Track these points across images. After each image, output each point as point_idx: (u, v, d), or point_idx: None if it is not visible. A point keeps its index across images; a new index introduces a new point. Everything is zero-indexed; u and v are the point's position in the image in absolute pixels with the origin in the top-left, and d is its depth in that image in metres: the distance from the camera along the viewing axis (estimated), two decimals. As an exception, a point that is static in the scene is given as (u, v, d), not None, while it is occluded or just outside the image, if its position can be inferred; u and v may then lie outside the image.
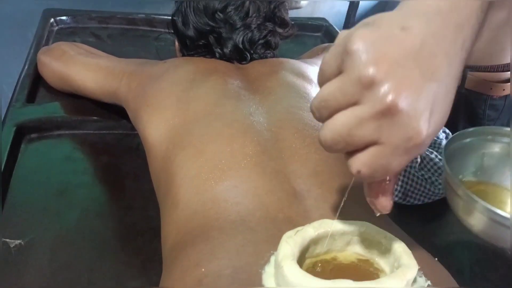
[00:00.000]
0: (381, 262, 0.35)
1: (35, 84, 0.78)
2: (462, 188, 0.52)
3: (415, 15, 0.27)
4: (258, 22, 0.61)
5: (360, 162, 0.27)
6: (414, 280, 0.34)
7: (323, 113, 0.28)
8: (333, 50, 0.27)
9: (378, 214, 0.32)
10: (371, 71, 0.25)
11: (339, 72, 0.27)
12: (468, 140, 0.65)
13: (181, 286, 0.35)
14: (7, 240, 0.52)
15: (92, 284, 0.48)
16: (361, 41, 0.25)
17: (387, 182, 0.30)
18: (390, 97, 0.25)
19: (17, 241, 0.52)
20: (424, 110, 0.26)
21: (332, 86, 0.27)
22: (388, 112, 0.25)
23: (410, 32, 0.26)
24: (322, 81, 0.28)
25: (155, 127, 0.52)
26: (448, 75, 0.27)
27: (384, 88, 0.25)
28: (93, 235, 0.54)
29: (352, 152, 0.28)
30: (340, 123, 0.27)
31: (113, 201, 0.61)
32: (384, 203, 0.31)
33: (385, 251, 0.35)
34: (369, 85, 0.25)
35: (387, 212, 0.31)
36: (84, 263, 0.51)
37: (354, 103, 0.26)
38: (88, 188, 0.61)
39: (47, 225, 0.54)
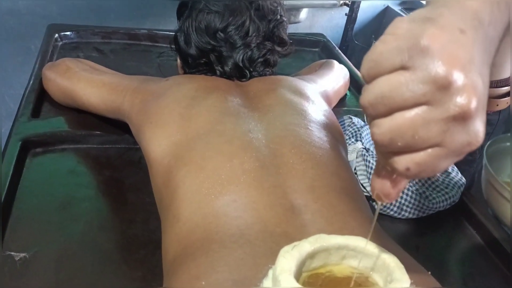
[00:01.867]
0: (375, 276, 0.37)
1: (40, 99, 0.80)
2: (506, 188, 0.57)
3: (466, 18, 0.26)
4: (258, 41, 0.64)
5: (412, 161, 0.26)
6: (407, 294, 0.35)
7: (380, 109, 0.26)
8: (393, 42, 0.25)
9: (380, 203, 0.31)
10: (448, 72, 0.24)
11: (402, 67, 0.25)
12: (506, 144, 0.70)
13: (183, 299, 0.37)
14: (12, 253, 0.53)
15: (95, 296, 0.49)
16: (435, 41, 0.24)
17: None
18: (466, 102, 0.24)
19: (22, 254, 0.53)
20: (484, 116, 0.26)
21: (395, 81, 0.25)
22: (461, 117, 0.25)
23: (467, 36, 0.25)
24: (375, 74, 0.26)
25: (158, 143, 0.53)
26: (488, 83, 0.27)
27: (461, 92, 0.24)
28: (96, 248, 0.55)
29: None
30: (404, 123, 0.25)
31: (116, 214, 0.62)
32: (390, 191, 0.30)
33: (379, 265, 0.36)
34: (445, 87, 0.24)
35: (389, 201, 0.31)
36: (87, 275, 0.52)
37: (422, 103, 0.25)
38: (92, 202, 0.63)
39: (51, 238, 0.56)
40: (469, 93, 0.24)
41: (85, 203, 0.62)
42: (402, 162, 0.27)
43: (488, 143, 0.63)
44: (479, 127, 0.25)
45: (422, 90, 0.25)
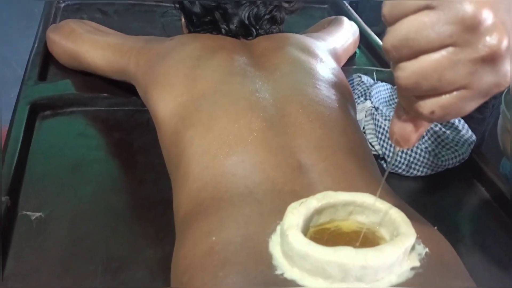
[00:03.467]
0: (382, 231, 0.37)
1: (46, 62, 0.80)
2: None
3: None
4: (264, -3, 0.62)
5: (437, 105, 0.26)
6: (413, 248, 0.36)
7: (404, 52, 0.25)
8: None
9: (398, 149, 0.31)
10: (477, 11, 0.23)
11: (427, 7, 0.24)
12: None
13: (194, 253, 0.38)
14: (28, 212, 0.55)
15: (109, 253, 0.51)
16: None
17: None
18: (496, 42, 0.23)
19: (37, 214, 0.55)
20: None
21: (420, 22, 0.24)
22: (490, 58, 0.24)
23: None
24: (398, 14, 0.25)
25: (164, 104, 0.53)
26: None
27: (491, 31, 0.23)
28: (108, 208, 0.57)
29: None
30: (430, 66, 0.25)
31: (126, 175, 0.63)
32: (410, 135, 0.29)
33: (386, 220, 0.36)
34: (474, 27, 0.23)
35: (408, 147, 0.30)
36: (101, 234, 0.53)
37: (449, 45, 0.24)
38: (102, 163, 0.64)
39: (64, 198, 0.57)
40: (500, 32, 0.23)
41: (96, 164, 0.63)
42: (427, 105, 0.26)
43: (506, 90, 0.62)
44: (508, 67, 0.24)
45: (448, 31, 0.24)
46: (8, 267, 0.48)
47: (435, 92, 0.26)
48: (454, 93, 0.25)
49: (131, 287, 0.48)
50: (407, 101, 0.27)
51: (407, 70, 0.25)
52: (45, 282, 0.47)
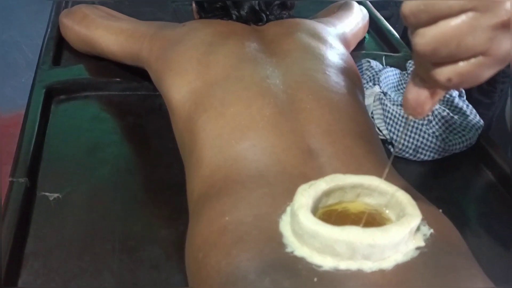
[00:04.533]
0: (388, 212, 0.39)
1: (59, 47, 0.81)
2: None
3: None
4: (274, -18, 0.62)
5: (454, 72, 0.26)
6: (418, 228, 0.37)
7: (423, 18, 0.25)
8: None
9: (410, 118, 0.31)
10: None
11: None
12: None
13: (208, 232, 0.40)
14: (47, 193, 0.57)
15: (125, 232, 0.53)
16: None
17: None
18: None
19: (55, 195, 0.57)
20: None
21: None
22: (509, 24, 0.24)
23: None
24: None
25: (177, 90, 0.55)
26: None
27: None
28: (124, 189, 0.59)
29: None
30: (449, 31, 0.25)
31: (141, 159, 0.65)
32: (425, 103, 0.29)
33: (392, 202, 0.38)
34: None
35: (420, 117, 0.30)
36: (118, 214, 0.55)
37: (469, 10, 0.24)
38: (117, 146, 0.65)
39: (81, 180, 0.59)
40: None
41: (111, 147, 0.65)
42: (444, 72, 0.26)
43: None
44: None
45: None
46: (28, 246, 0.51)
47: (453, 58, 0.26)
48: (472, 60, 0.25)
49: (147, 265, 0.50)
50: (424, 69, 0.27)
51: (426, 36, 0.25)
52: (63, 261, 0.49)
